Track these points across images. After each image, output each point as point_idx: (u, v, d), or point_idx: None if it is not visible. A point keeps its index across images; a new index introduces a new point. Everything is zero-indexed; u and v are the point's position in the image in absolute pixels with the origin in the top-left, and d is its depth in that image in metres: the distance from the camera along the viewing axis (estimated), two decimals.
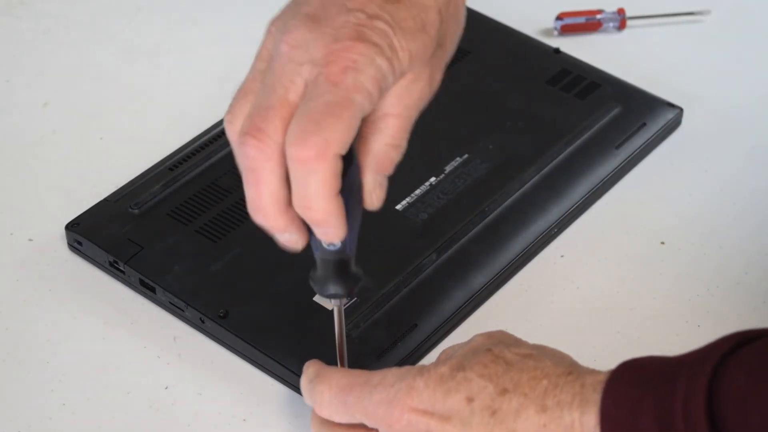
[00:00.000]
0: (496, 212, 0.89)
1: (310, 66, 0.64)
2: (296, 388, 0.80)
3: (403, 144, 0.68)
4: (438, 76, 0.70)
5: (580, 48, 1.04)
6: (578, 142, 0.94)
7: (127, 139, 0.98)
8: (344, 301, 0.73)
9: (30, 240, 0.90)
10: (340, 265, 0.71)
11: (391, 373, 0.71)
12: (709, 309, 0.85)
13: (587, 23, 1.07)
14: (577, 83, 0.99)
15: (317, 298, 0.76)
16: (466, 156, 0.92)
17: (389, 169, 0.68)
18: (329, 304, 0.74)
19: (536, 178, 0.91)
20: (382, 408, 0.70)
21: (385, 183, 0.69)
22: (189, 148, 0.93)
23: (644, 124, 0.96)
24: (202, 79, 1.03)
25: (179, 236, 0.86)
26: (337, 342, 0.76)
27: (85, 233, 0.87)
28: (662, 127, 0.97)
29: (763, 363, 0.61)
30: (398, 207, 0.88)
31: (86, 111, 1.00)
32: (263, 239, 0.86)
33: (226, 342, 0.82)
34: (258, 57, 0.68)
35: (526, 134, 0.94)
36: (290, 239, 0.68)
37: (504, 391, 0.68)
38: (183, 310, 0.83)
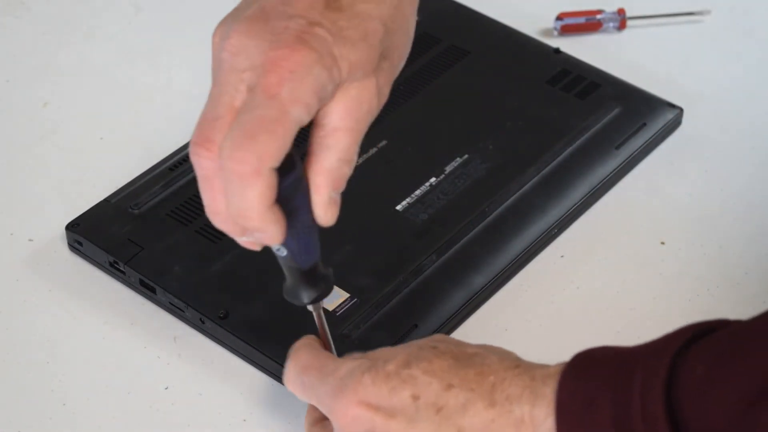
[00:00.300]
0: (496, 212, 0.89)
1: (250, 72, 0.64)
2: None
3: (355, 158, 0.67)
4: (386, 89, 0.68)
5: (580, 48, 1.04)
6: (578, 142, 0.94)
7: (127, 139, 0.98)
8: (321, 303, 0.73)
9: (30, 240, 0.90)
10: (305, 271, 0.71)
11: (345, 366, 0.71)
12: (709, 309, 0.85)
13: (587, 23, 1.07)
14: (577, 83, 0.99)
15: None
16: (466, 156, 0.92)
17: (342, 186, 0.67)
18: (310, 306, 0.74)
19: (536, 178, 0.91)
20: (329, 399, 0.70)
21: (338, 199, 0.67)
22: (189, 150, 0.93)
23: (644, 125, 0.96)
24: (202, 79, 1.02)
25: (179, 236, 0.86)
26: (322, 344, 0.76)
27: (85, 233, 0.87)
28: (662, 127, 0.97)
29: (722, 353, 0.61)
30: (398, 207, 0.88)
31: (86, 111, 1.00)
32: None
33: (226, 342, 0.82)
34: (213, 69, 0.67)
35: (526, 134, 0.94)
36: (248, 242, 0.68)
37: (449, 387, 0.67)
38: (183, 311, 0.83)
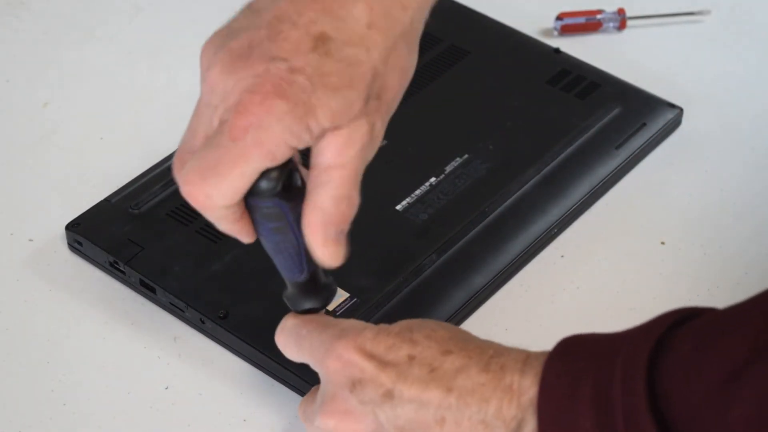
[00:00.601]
0: (496, 212, 0.89)
1: (222, 110, 0.64)
2: (296, 389, 0.80)
3: (354, 195, 0.66)
4: (379, 126, 0.67)
5: (580, 48, 1.04)
6: (578, 142, 0.94)
7: (127, 139, 0.98)
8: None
9: (30, 240, 0.90)
10: (307, 283, 0.72)
11: (349, 322, 0.72)
12: None
13: (587, 23, 1.07)
14: (577, 83, 0.99)
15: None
16: (466, 156, 0.92)
17: (341, 224, 0.66)
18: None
19: (536, 178, 0.91)
20: (326, 344, 0.70)
21: (342, 239, 0.67)
22: None
23: (644, 125, 0.96)
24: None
25: (179, 236, 0.86)
26: None
27: (85, 233, 0.87)
28: (662, 127, 0.97)
29: (704, 335, 0.62)
30: (398, 207, 0.88)
31: (86, 111, 1.00)
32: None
33: (226, 342, 0.82)
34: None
35: (526, 134, 0.94)
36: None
37: (447, 352, 0.68)
38: (183, 311, 0.83)
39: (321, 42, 0.64)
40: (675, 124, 0.98)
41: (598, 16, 1.07)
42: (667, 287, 0.87)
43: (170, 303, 0.84)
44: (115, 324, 0.84)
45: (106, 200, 0.89)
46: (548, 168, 0.92)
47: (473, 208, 0.89)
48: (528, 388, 0.65)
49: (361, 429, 0.69)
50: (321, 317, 0.73)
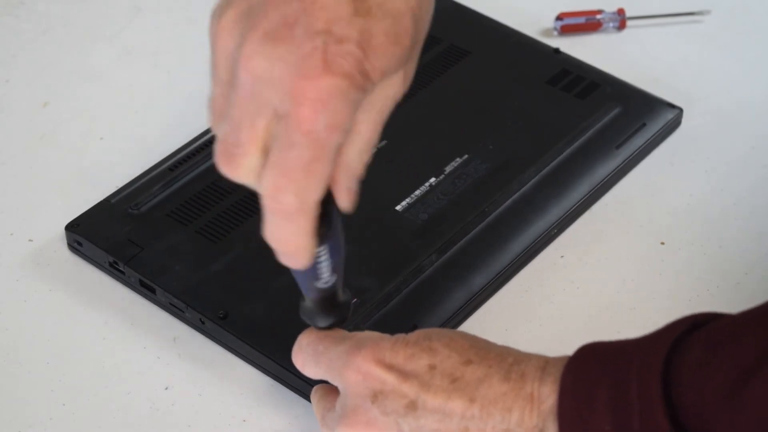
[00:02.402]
0: (496, 213, 0.89)
1: (277, 100, 0.61)
2: (296, 389, 0.80)
3: (373, 147, 0.65)
4: (411, 72, 0.66)
5: (580, 48, 1.04)
6: (578, 142, 0.94)
7: (127, 139, 0.98)
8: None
9: (30, 240, 0.90)
10: (328, 297, 0.71)
11: (365, 333, 0.72)
12: (709, 309, 0.85)
13: (587, 23, 1.07)
14: (577, 83, 0.99)
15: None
16: (466, 156, 0.92)
17: (361, 173, 0.65)
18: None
19: (536, 178, 0.91)
20: (344, 357, 0.70)
21: (356, 188, 0.66)
22: (189, 149, 0.93)
23: (644, 125, 0.96)
24: (202, 79, 1.02)
25: (179, 237, 0.86)
26: None
27: (85, 234, 0.87)
28: (662, 127, 0.97)
29: (717, 339, 0.62)
30: (398, 208, 0.88)
31: (86, 111, 1.00)
32: (264, 240, 0.86)
33: (226, 342, 0.82)
34: (217, 64, 0.63)
35: (526, 134, 0.94)
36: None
37: (468, 362, 0.68)
38: (183, 311, 0.83)
39: (359, 2, 0.61)
40: (675, 124, 0.98)
41: (598, 16, 1.07)
42: (667, 287, 0.87)
43: (170, 303, 0.84)
44: (114, 324, 0.84)
45: (106, 200, 0.89)
46: (548, 168, 0.92)
47: (473, 208, 0.89)
48: (547, 396, 0.65)
49: None
50: (336, 331, 0.73)
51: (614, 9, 1.07)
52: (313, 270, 0.69)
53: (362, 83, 0.61)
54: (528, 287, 0.87)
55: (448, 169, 0.91)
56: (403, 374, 0.68)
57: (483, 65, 1.00)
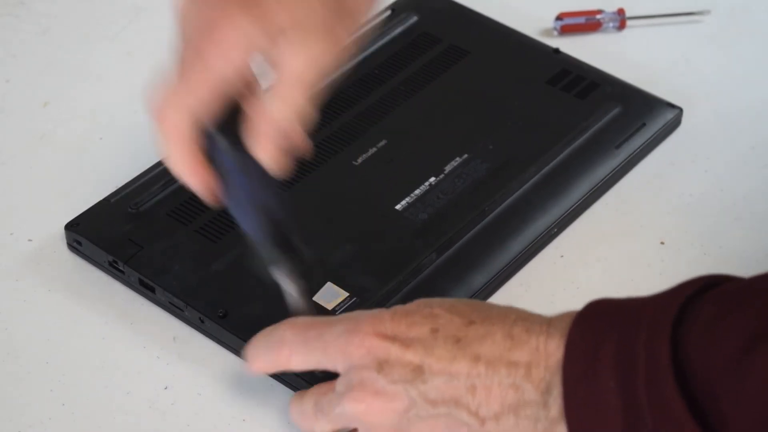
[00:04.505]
0: (495, 212, 0.89)
1: (196, 34, 0.69)
2: (296, 389, 0.80)
3: (305, 108, 0.69)
4: (342, 37, 0.69)
5: (580, 48, 1.04)
6: (578, 142, 0.94)
7: (127, 139, 0.98)
8: (292, 277, 0.75)
9: (30, 240, 0.90)
10: (275, 237, 0.73)
11: (356, 312, 0.72)
12: None
13: (587, 23, 1.07)
14: (577, 83, 0.99)
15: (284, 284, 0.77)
16: (465, 156, 0.92)
17: (289, 134, 0.69)
18: (286, 283, 0.75)
19: (536, 178, 0.91)
20: (343, 337, 0.70)
21: (288, 148, 0.70)
22: None
23: (644, 125, 0.96)
24: None
25: (179, 236, 0.86)
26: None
27: (84, 233, 0.87)
28: (662, 127, 0.97)
29: (728, 301, 0.62)
30: (398, 207, 0.88)
31: (86, 111, 1.00)
32: None
33: (226, 342, 0.82)
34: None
35: (526, 134, 0.94)
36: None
37: (471, 323, 0.68)
38: (182, 310, 0.83)
39: None
40: (675, 124, 0.98)
41: (598, 16, 1.07)
42: (667, 287, 0.87)
43: (170, 302, 0.84)
44: (114, 324, 0.84)
45: (106, 200, 0.89)
46: (548, 168, 0.92)
47: (473, 207, 0.88)
48: (555, 350, 0.66)
49: (394, 407, 0.68)
50: (322, 318, 0.73)
51: (614, 9, 1.07)
52: (238, 202, 0.73)
53: (259, 15, 0.66)
54: (528, 287, 0.87)
55: (447, 168, 0.91)
56: (407, 342, 0.68)
57: (483, 65, 1.00)
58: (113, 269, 0.86)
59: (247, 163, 0.71)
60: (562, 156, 0.93)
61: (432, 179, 0.90)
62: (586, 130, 0.95)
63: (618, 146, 0.95)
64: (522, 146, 0.93)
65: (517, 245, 0.87)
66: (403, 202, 0.89)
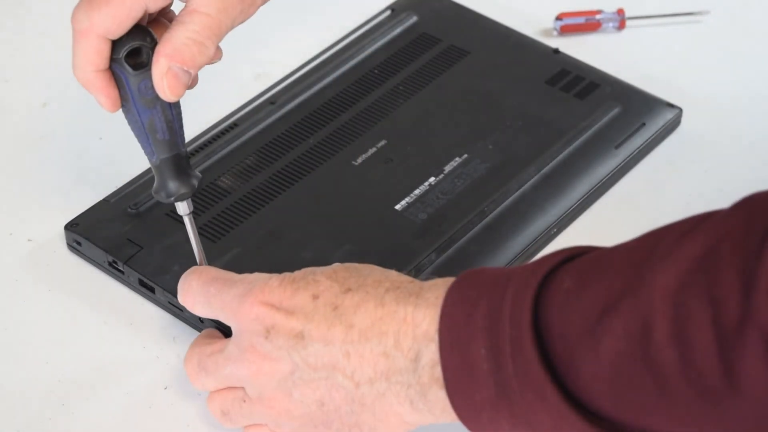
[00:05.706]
0: (495, 212, 0.89)
1: None
2: None
3: (207, 44, 0.73)
4: None
5: (580, 48, 1.04)
6: (578, 141, 0.94)
7: (127, 139, 0.97)
8: (190, 208, 0.79)
9: (29, 240, 0.90)
10: (162, 165, 0.76)
11: (254, 275, 0.75)
12: None
13: (587, 23, 1.07)
14: (577, 83, 0.99)
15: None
16: (465, 156, 0.92)
17: (188, 63, 0.73)
18: (183, 208, 0.79)
19: (536, 178, 0.91)
20: (236, 301, 0.74)
21: (183, 78, 0.74)
22: (188, 148, 0.93)
23: (644, 124, 0.96)
24: (202, 79, 1.02)
25: (179, 236, 0.86)
26: (195, 250, 0.80)
27: (84, 233, 0.87)
28: (662, 127, 0.97)
29: (585, 271, 0.65)
30: (397, 207, 0.88)
31: (86, 111, 1.00)
32: (263, 239, 0.86)
33: None
34: None
35: (526, 134, 0.94)
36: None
37: (348, 290, 0.71)
38: (182, 310, 0.83)
39: None
40: (674, 124, 0.98)
41: (598, 17, 1.07)
42: None
43: (169, 302, 0.84)
44: (114, 324, 0.84)
45: (105, 200, 0.89)
46: (548, 168, 0.92)
47: (473, 207, 0.89)
48: (421, 320, 0.68)
49: (279, 369, 0.72)
50: (227, 274, 0.77)
51: (614, 9, 1.07)
52: (136, 125, 0.77)
53: None
54: None
55: (447, 168, 0.91)
56: (290, 309, 0.72)
57: (482, 65, 1.00)
58: (113, 269, 0.86)
59: (147, 86, 0.74)
60: (561, 156, 0.93)
61: (432, 179, 0.90)
62: (585, 130, 0.95)
63: (618, 146, 0.95)
64: (522, 146, 0.93)
65: (516, 245, 0.87)
66: (403, 202, 0.89)
